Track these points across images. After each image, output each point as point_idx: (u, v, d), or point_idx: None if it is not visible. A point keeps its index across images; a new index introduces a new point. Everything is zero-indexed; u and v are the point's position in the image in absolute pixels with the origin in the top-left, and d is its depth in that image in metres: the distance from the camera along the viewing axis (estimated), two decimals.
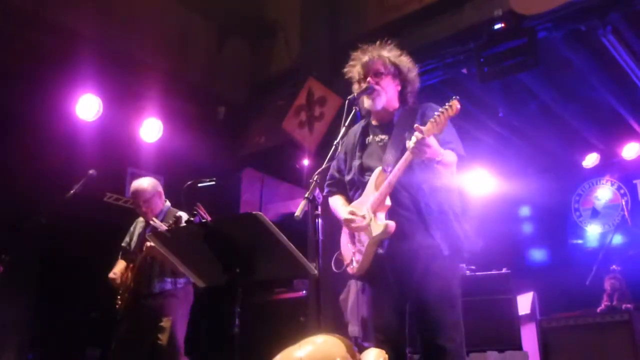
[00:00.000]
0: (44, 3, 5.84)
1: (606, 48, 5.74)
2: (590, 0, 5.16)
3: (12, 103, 5.75)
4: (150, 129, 6.60)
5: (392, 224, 3.04)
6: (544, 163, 8.70)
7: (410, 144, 2.95)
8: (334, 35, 6.95)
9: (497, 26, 5.51)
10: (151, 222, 4.60)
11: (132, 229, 5.02)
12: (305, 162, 7.10)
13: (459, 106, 2.94)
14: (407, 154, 3.03)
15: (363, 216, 3.16)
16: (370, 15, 6.79)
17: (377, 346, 3.00)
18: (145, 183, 4.78)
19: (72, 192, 4.81)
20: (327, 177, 3.52)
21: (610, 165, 8.75)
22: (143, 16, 6.66)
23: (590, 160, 8.58)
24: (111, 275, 4.75)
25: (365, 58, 3.41)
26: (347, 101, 3.32)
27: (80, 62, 5.81)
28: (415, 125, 2.96)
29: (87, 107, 6.03)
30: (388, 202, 3.09)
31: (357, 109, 3.34)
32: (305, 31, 7.20)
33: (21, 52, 5.64)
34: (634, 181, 8.74)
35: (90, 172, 4.92)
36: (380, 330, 3.17)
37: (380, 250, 3.13)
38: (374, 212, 3.11)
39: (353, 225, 3.18)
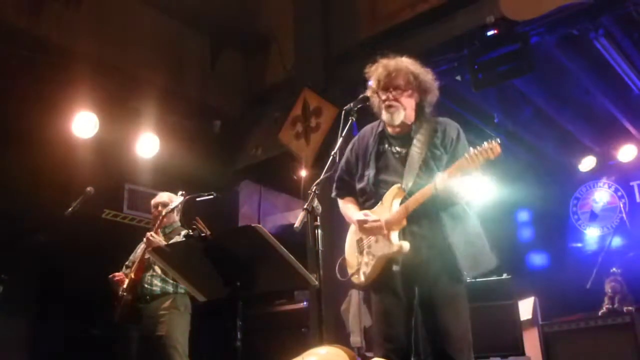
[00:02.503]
0: (39, 21, 5.86)
1: (599, 51, 5.76)
2: (581, 4, 5.17)
3: (9, 121, 5.75)
4: (147, 145, 6.60)
5: (406, 246, 3.03)
6: (541, 167, 8.71)
7: (437, 181, 2.95)
8: (327, 45, 6.97)
9: (490, 32, 5.52)
10: (148, 234, 4.60)
11: (138, 247, 5.03)
12: (303, 173, 7.09)
13: (499, 150, 2.85)
14: (429, 187, 3.01)
15: (378, 219, 3.14)
16: (363, 25, 6.82)
17: (385, 355, 3.00)
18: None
19: (70, 209, 4.83)
20: (336, 178, 3.47)
21: (607, 168, 8.76)
22: (137, 32, 6.69)
23: (587, 163, 8.59)
24: (118, 274, 4.76)
25: (389, 69, 3.30)
26: (343, 111, 3.32)
27: (75, 79, 5.83)
28: (446, 171, 2.96)
29: (84, 124, 6.03)
30: (404, 222, 3.08)
31: (353, 118, 3.33)
32: (298, 42, 7.22)
33: (17, 69, 5.66)
34: (631, 183, 8.74)
35: (88, 189, 4.93)
36: (389, 339, 3.16)
37: (396, 267, 3.11)
38: (388, 230, 3.10)
39: (366, 226, 3.16)
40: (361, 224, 3.18)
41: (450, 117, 3.34)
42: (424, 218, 3.13)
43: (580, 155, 8.57)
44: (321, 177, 3.11)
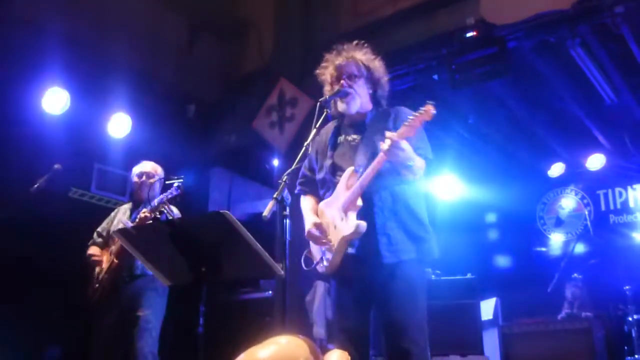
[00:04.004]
0: None
1: (574, 60, 5.84)
2: (560, 12, 5.24)
3: None
4: (119, 125, 6.49)
5: (363, 224, 3.06)
6: (511, 171, 8.81)
7: (384, 146, 2.97)
8: (306, 36, 6.95)
9: (469, 34, 5.56)
10: (142, 214, 4.49)
11: (112, 214, 4.94)
12: (275, 162, 7.09)
13: (433, 111, 2.96)
14: (380, 156, 3.04)
15: (326, 240, 3.20)
16: (344, 18, 6.81)
17: (341, 347, 3.01)
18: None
19: (36, 186, 4.74)
20: (299, 175, 3.53)
21: (575, 175, 8.89)
22: (113, 10, 6.56)
23: (556, 169, 8.71)
24: (92, 252, 4.68)
25: (339, 60, 3.41)
26: (318, 103, 3.33)
27: (47, 55, 5.69)
28: (387, 132, 2.99)
29: (54, 100, 5.91)
30: (360, 202, 3.11)
31: (328, 111, 3.34)
32: (278, 31, 7.19)
33: None
34: (598, 191, 8.90)
35: (56, 166, 4.86)
36: (345, 330, 3.18)
37: (351, 250, 3.14)
38: (345, 212, 3.12)
39: (314, 240, 3.24)
40: (309, 236, 3.26)
41: None
42: (376, 194, 3.18)
43: (550, 161, 8.69)
44: (293, 167, 3.12)
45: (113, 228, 4.78)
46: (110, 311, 4.57)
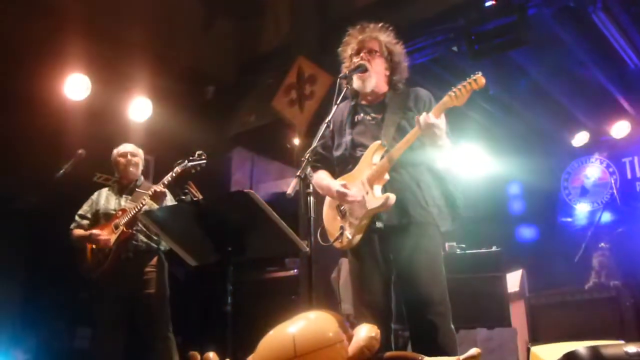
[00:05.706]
0: None
1: (596, 25, 5.74)
2: None
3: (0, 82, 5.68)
4: (139, 109, 6.55)
5: (392, 197, 3.05)
6: (534, 141, 8.72)
7: (420, 119, 2.97)
8: (323, 12, 6.90)
9: (487, 3, 5.49)
10: (156, 188, 4.45)
11: (95, 197, 4.84)
12: (296, 140, 7.08)
13: (484, 80, 2.95)
14: (415, 130, 3.04)
15: (354, 195, 3.16)
16: None
17: (365, 322, 3.03)
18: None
19: (61, 171, 4.79)
20: (312, 153, 3.50)
21: (599, 144, 8.79)
22: None
23: (580, 138, 8.61)
24: (95, 231, 4.56)
25: (362, 36, 3.39)
26: (338, 79, 3.31)
27: (68, 42, 5.74)
28: (425, 112, 3.00)
29: (76, 86, 5.98)
30: (387, 176, 3.11)
31: (348, 87, 3.32)
32: (294, 9, 7.14)
33: (8, 31, 5.57)
34: (623, 159, 8.78)
35: (79, 151, 4.90)
36: (368, 305, 3.19)
37: (379, 224, 3.13)
38: (371, 185, 3.12)
39: (348, 198, 3.17)
40: (341, 195, 3.19)
41: (445, 87, 3.34)
42: (402, 169, 3.18)
43: (573, 130, 8.59)
44: (314, 144, 3.11)
45: (101, 209, 4.70)
46: (116, 297, 4.49)
